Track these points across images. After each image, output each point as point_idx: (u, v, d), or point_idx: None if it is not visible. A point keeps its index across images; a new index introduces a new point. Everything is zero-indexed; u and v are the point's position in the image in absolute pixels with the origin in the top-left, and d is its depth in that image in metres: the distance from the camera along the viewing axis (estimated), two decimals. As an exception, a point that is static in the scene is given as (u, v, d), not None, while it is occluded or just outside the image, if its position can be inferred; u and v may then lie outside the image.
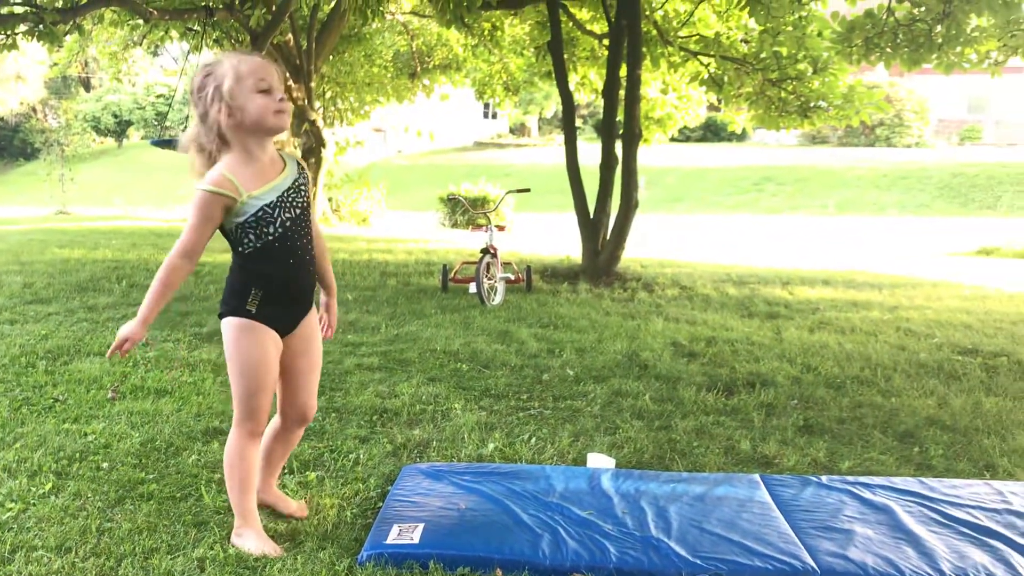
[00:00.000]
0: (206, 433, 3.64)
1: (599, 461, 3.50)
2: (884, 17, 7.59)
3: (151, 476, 3.17)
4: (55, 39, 13.24)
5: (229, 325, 2.63)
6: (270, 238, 2.58)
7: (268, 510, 2.88)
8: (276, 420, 2.87)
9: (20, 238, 11.90)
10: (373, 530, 2.73)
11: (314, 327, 2.81)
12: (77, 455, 3.33)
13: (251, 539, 2.61)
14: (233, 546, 2.60)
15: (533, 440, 3.73)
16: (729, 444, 3.80)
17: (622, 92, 9.27)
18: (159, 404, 4.02)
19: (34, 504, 2.89)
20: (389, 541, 2.64)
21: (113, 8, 13.94)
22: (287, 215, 2.61)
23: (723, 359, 5.39)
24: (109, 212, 22.16)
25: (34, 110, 50.74)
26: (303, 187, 2.69)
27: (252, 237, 2.56)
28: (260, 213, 2.55)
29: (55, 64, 33.72)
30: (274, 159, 2.65)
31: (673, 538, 2.73)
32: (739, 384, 4.81)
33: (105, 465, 3.24)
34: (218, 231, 2.59)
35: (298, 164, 2.71)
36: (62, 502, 2.91)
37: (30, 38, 12.99)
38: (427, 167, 38.74)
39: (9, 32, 12.53)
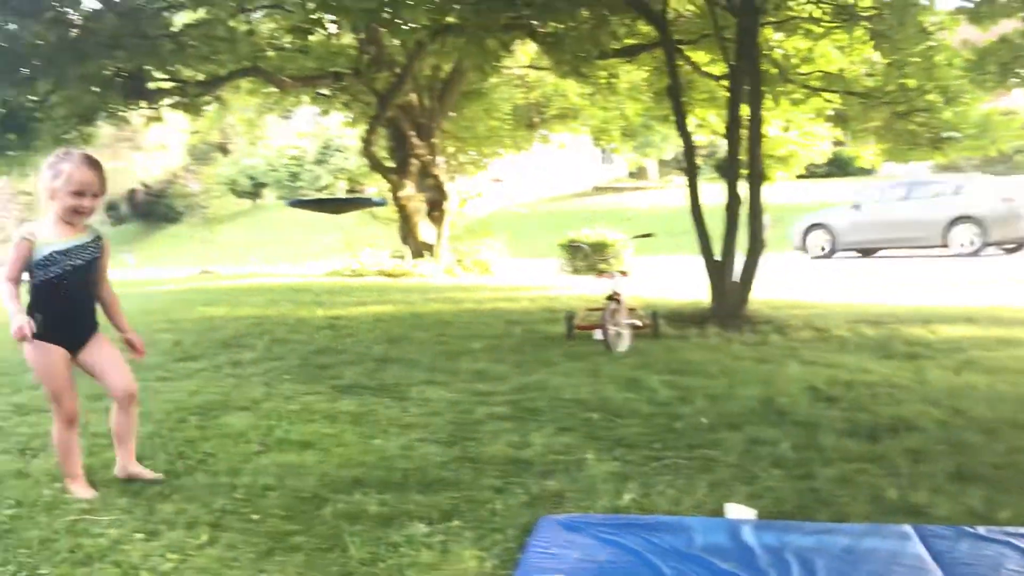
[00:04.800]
0: (349, 484, 3.75)
1: (738, 512, 3.42)
2: (1021, 42, 7.29)
3: (298, 528, 3.28)
4: (197, 110, 14.15)
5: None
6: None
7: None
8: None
9: (168, 297, 12.63)
10: (514, 582, 2.76)
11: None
12: (229, 507, 3.48)
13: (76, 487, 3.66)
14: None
15: (669, 491, 3.68)
16: (875, 493, 3.65)
17: (744, 132, 9.18)
18: (303, 456, 4.18)
19: (192, 555, 3.03)
20: (530, 593, 2.65)
21: (250, 78, 14.79)
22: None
23: (863, 403, 5.20)
24: (248, 270, 23.23)
25: (176, 176, 53.92)
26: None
27: None
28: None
29: (196, 132, 35.83)
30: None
31: (821, 592, 2.65)
32: (882, 429, 4.62)
33: (255, 517, 3.38)
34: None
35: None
36: (217, 553, 3.04)
37: (176, 110, 13.92)
38: (546, 214, 39.07)
39: (157, 106, 13.46)
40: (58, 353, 3.64)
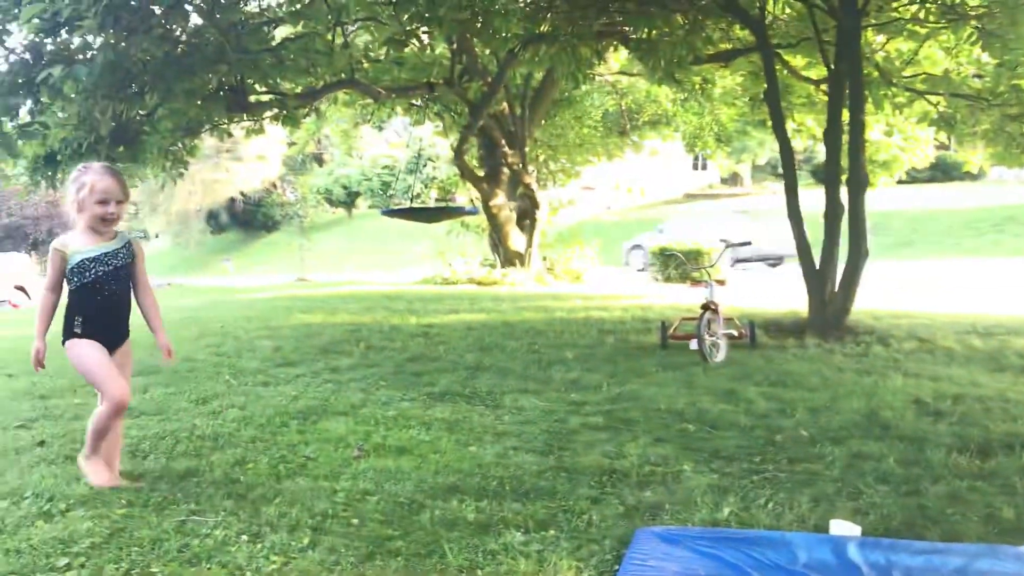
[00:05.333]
0: (446, 491, 3.78)
1: (843, 528, 3.32)
2: None
3: (397, 533, 3.32)
4: (296, 122, 14.52)
5: None
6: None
7: None
8: None
9: (266, 304, 12.98)
10: (612, 594, 2.73)
11: None
12: (329, 511, 3.54)
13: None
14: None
15: (770, 505, 3.59)
16: (988, 512, 3.49)
17: (845, 137, 8.93)
18: (400, 462, 4.23)
19: (294, 558, 3.10)
20: (629, 606, 2.62)
21: (346, 90, 15.12)
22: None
23: (974, 418, 4.99)
24: (343, 278, 23.71)
25: (274, 186, 55.46)
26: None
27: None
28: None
29: (293, 144, 36.81)
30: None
31: (934, 615, 2.54)
32: (995, 446, 4.43)
33: (355, 521, 3.43)
34: None
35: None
36: (319, 556, 3.10)
37: (275, 122, 14.32)
38: (637, 221, 38.79)
39: (257, 118, 13.88)
40: (97, 345, 3.86)
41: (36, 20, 8.39)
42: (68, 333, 3.86)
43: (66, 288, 3.90)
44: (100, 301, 3.88)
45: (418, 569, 2.99)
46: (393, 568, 2.99)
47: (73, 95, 8.85)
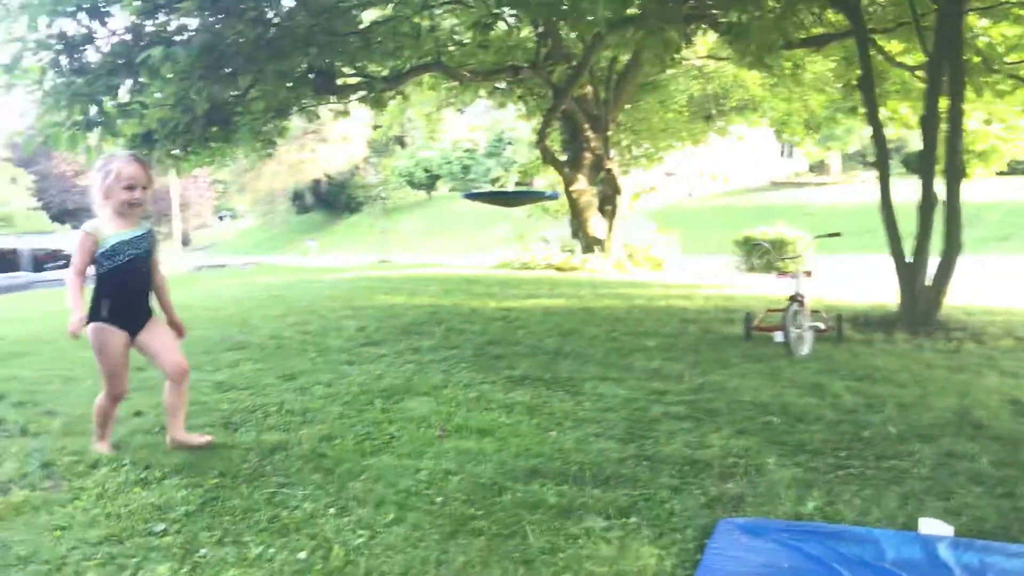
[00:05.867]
0: (527, 474, 3.81)
1: (933, 527, 3.23)
2: None
3: (479, 513, 3.36)
4: (382, 104, 14.71)
5: None
6: None
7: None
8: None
9: (350, 285, 13.21)
10: (695, 583, 2.72)
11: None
12: (413, 489, 3.61)
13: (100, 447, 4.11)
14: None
15: (856, 501, 3.52)
16: (1088, 517, 3.36)
17: (942, 126, 8.63)
18: (481, 443, 4.27)
19: (380, 532, 3.17)
20: (712, 596, 2.61)
21: (431, 73, 15.24)
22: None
23: (1075, 420, 4.80)
24: (422, 260, 23.97)
25: (357, 168, 56.30)
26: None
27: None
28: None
29: (377, 126, 37.31)
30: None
31: (1030, 622, 2.46)
32: (1097, 450, 4.25)
33: (439, 500, 3.48)
34: None
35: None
36: (404, 532, 3.16)
37: (361, 104, 14.53)
38: (719, 209, 38.23)
39: (344, 100, 14.10)
40: (119, 337, 4.01)
41: (137, 3, 8.68)
42: (94, 315, 3.98)
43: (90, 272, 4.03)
44: (128, 284, 4.03)
45: (500, 549, 3.02)
46: (476, 547, 3.03)
47: (170, 76, 9.13)
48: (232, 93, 11.00)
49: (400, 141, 55.92)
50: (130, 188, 3.99)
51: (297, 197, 57.68)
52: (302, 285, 13.60)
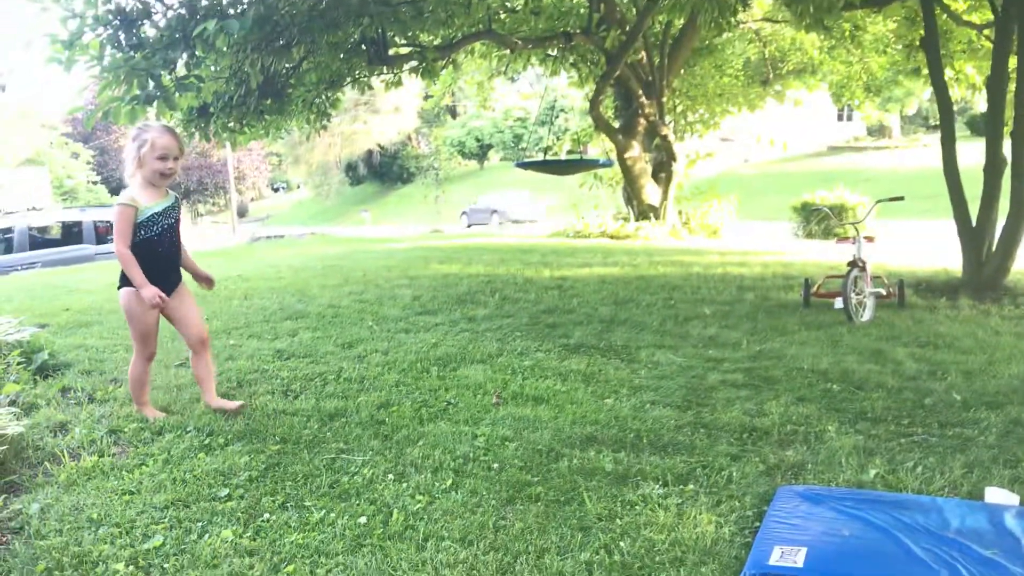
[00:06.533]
0: (583, 440, 3.82)
1: (1000, 496, 3.17)
2: None
3: (536, 479, 3.38)
4: (433, 74, 14.68)
5: None
6: None
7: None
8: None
9: (404, 254, 13.30)
10: (754, 550, 2.70)
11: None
12: (470, 455, 3.64)
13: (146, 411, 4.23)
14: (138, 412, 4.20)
15: (919, 469, 3.46)
16: None
17: (1011, 87, 8.34)
18: (537, 411, 4.29)
19: (438, 498, 3.21)
20: (771, 563, 2.59)
21: (483, 41, 15.15)
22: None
23: None
24: (474, 229, 23.95)
25: (409, 138, 56.47)
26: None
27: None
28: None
29: (429, 96, 37.30)
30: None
31: (1101, 591, 2.40)
32: None
33: (496, 466, 3.51)
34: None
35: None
36: (462, 498, 3.20)
37: (413, 75, 14.52)
38: (776, 175, 37.60)
39: (397, 71, 14.10)
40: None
41: (192, -24, 8.75)
42: (124, 282, 4.10)
43: None
44: (160, 253, 4.13)
45: (558, 515, 3.04)
46: (533, 513, 3.05)
47: (225, 49, 9.21)
48: (286, 65, 11.06)
49: (451, 111, 55.91)
50: (163, 159, 4.06)
51: (350, 168, 58.11)
52: (357, 255, 13.73)
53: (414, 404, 4.44)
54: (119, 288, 4.16)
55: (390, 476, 3.42)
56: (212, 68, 10.12)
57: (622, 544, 2.79)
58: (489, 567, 2.66)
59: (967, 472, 3.45)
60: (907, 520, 2.89)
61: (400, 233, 25.51)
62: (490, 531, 2.91)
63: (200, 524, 3.00)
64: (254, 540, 2.88)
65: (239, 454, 3.65)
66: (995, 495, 3.18)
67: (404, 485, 3.32)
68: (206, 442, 3.82)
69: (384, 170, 56.85)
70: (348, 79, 12.88)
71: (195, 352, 4.33)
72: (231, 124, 11.11)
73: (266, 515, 3.07)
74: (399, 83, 14.46)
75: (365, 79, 13.60)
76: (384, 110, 51.38)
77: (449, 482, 3.35)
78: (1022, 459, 3.58)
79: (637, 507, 3.10)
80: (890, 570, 2.55)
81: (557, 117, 46.09)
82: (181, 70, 9.97)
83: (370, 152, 56.02)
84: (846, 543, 2.74)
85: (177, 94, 9.93)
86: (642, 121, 16.79)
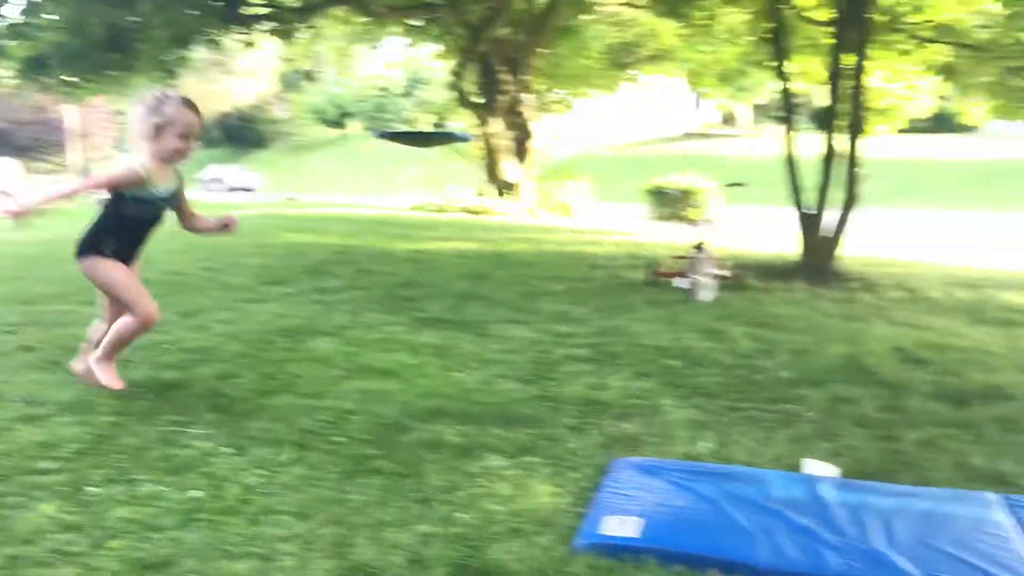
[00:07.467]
0: (430, 414, 3.81)
1: (818, 469, 3.37)
2: None
3: (380, 452, 3.35)
4: (290, 37, 14.26)
5: None
6: None
7: None
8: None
9: (255, 222, 12.90)
10: (589, 520, 2.78)
11: None
12: (314, 429, 3.58)
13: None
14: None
15: (747, 442, 3.65)
16: (960, 459, 3.55)
17: (846, 82, 8.84)
18: (386, 384, 4.26)
19: (277, 472, 3.13)
20: (605, 532, 2.67)
21: (344, 7, 14.82)
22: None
23: (953, 368, 5.05)
24: (332, 199, 23.54)
25: (266, 102, 54.78)
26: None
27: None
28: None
29: (287, 59, 36.28)
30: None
31: (899, 552, 2.59)
32: (971, 395, 4.48)
33: (339, 439, 3.46)
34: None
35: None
36: (302, 472, 3.14)
37: (269, 36, 14.06)
38: (633, 158, 38.58)
39: (251, 31, 13.63)
40: (120, 265, 3.83)
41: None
42: (91, 250, 3.77)
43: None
44: (141, 234, 3.88)
45: (398, 488, 3.03)
46: (375, 486, 3.03)
47: (64, -3, 8.67)
48: (133, 19, 10.50)
49: (311, 76, 54.51)
50: (185, 136, 3.74)
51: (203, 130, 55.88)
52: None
53: (257, 377, 4.32)
54: (78, 256, 3.79)
55: (227, 449, 3.31)
56: (50, 17, 9.51)
57: (461, 515, 2.81)
58: (325, 540, 2.62)
59: (791, 446, 3.65)
60: (734, 491, 3.04)
61: (252, 199, 24.74)
62: (329, 504, 2.87)
63: (19, 499, 2.82)
64: (77, 515, 2.74)
65: (66, 426, 3.47)
66: (814, 467, 3.39)
67: (242, 459, 3.23)
68: (30, 413, 3.60)
69: (239, 134, 54.95)
70: (199, 37, 12.35)
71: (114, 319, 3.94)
72: (71, 78, 10.48)
73: (92, 488, 2.92)
74: (254, 44, 13.99)
75: (218, 37, 13.08)
76: (240, 72, 49.63)
77: (289, 456, 3.28)
78: (841, 433, 3.82)
79: (479, 479, 3.13)
80: (715, 539, 2.67)
81: (420, 89, 45.71)
82: (17, 17, 9.32)
83: (224, 114, 53.99)
84: (677, 514, 2.85)
85: (10, 42, 9.28)
86: (503, 98, 16.87)
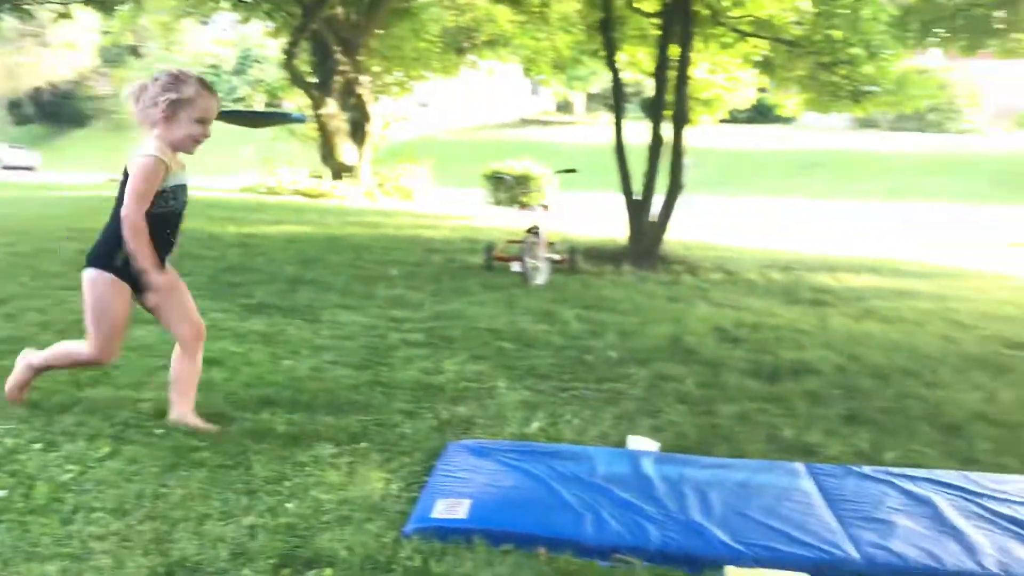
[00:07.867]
0: (257, 403, 3.72)
1: (641, 444, 3.52)
2: (945, 1, 7.46)
3: (203, 444, 3.24)
4: (109, 9, 13.47)
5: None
6: None
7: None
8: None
9: (72, 204, 12.16)
10: (419, 504, 2.79)
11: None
12: (132, 421, 3.42)
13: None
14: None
15: (576, 421, 3.76)
16: (772, 431, 3.80)
17: (672, 72, 9.20)
18: (210, 373, 4.10)
19: (92, 467, 2.97)
20: (435, 515, 2.69)
21: (167, -21, 14.12)
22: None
23: (767, 346, 5.38)
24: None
25: (85, 77, 51.59)
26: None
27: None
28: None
29: (108, 32, 34.30)
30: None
31: (715, 523, 2.74)
32: (783, 371, 4.79)
33: (159, 431, 3.32)
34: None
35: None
36: (119, 466, 2.99)
37: (86, 7, 13.22)
38: (471, 143, 38.76)
39: (65, 1, 12.78)
40: (127, 294, 3.38)
41: None
42: (103, 263, 3.34)
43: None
44: (162, 236, 3.36)
45: (223, 480, 2.94)
46: (197, 479, 2.92)
47: None
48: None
49: (135, 51, 51.59)
50: (203, 122, 3.28)
51: (14, 106, 51.96)
52: (18, 203, 12.35)
53: (71, 369, 4.07)
54: (88, 267, 3.34)
55: (37, 445, 3.11)
56: None
57: (289, 506, 2.75)
58: (144, 537, 2.51)
59: (617, 423, 3.79)
60: (561, 469, 3.13)
61: (71, 181, 23.25)
62: (149, 499, 2.75)
63: None
64: None
65: None
66: (637, 443, 3.53)
67: (53, 455, 3.04)
68: None
69: (56, 110, 51.45)
70: (6, 5, 11.47)
71: (186, 350, 3.47)
72: None
73: None
74: (68, 15, 13.13)
75: (27, 7, 12.19)
76: (55, 44, 46.42)
77: (106, 450, 3.11)
78: (663, 409, 4.00)
79: (308, 468, 3.07)
80: (543, 517, 2.74)
81: (252, 67, 44.20)
82: None
83: (38, 89, 50.40)
84: (507, 494, 2.91)
85: None
86: (339, 79, 16.56)
